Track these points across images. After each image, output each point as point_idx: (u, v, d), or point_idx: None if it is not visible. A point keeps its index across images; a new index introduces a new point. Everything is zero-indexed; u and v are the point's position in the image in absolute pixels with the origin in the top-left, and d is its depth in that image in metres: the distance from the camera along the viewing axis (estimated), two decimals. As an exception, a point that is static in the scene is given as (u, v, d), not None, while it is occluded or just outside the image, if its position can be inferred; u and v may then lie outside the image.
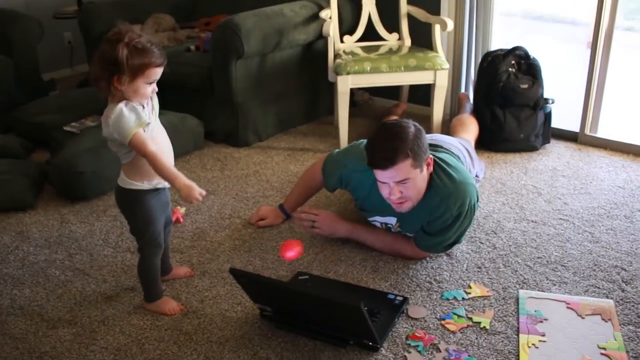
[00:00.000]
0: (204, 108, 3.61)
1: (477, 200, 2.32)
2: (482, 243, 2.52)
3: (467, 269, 2.35)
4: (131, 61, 1.84)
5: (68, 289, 2.34)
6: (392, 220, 2.42)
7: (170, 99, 3.68)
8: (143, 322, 2.13)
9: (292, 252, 2.28)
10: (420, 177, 2.17)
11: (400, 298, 2.17)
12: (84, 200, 2.98)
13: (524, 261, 2.39)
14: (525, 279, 2.28)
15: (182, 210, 2.82)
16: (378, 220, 2.46)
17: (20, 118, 3.78)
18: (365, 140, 2.50)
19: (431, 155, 2.24)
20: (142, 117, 1.90)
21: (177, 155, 3.33)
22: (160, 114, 2.10)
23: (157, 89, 2.00)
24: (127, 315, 2.17)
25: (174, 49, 3.88)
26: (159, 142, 2.00)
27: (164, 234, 2.17)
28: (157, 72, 1.92)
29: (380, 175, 2.15)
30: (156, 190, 2.05)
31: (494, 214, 2.73)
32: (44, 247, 2.63)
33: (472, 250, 2.47)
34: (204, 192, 1.91)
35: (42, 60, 4.46)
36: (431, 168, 2.24)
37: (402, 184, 2.14)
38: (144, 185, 2.01)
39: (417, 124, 2.20)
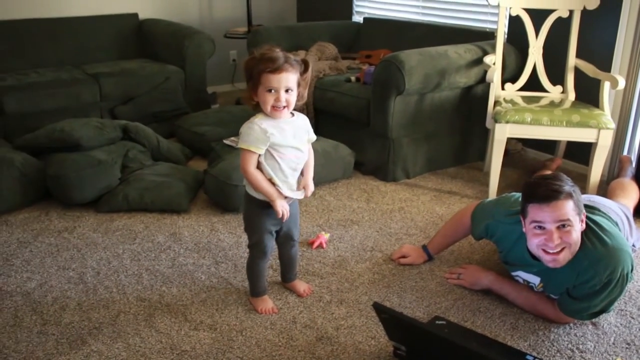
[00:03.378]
0: (357, 139, 3.68)
1: (632, 270, 2.19)
2: (633, 318, 2.36)
3: (614, 343, 2.22)
4: (251, 70, 2.00)
5: (211, 294, 2.45)
6: (535, 280, 2.33)
7: (326, 126, 3.82)
8: (279, 339, 2.18)
9: None
10: (577, 228, 2.08)
11: (540, 361, 2.09)
12: (234, 212, 3.12)
13: (679, 346, 2.22)
14: (680, 366, 2.12)
15: (326, 236, 2.88)
16: (521, 276, 2.38)
17: (183, 126, 4.04)
18: (516, 193, 2.45)
19: (585, 213, 2.15)
20: (260, 143, 2.04)
21: (326, 181, 3.48)
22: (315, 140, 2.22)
23: (288, 100, 2.02)
24: (264, 329, 2.23)
25: (335, 77, 4.00)
26: (283, 174, 2.13)
27: (286, 250, 2.37)
28: (272, 79, 1.98)
29: (541, 213, 2.06)
30: (268, 203, 2.16)
31: (649, 289, 2.56)
32: (193, 250, 2.78)
33: (621, 324, 2.32)
34: (287, 215, 2.15)
35: (207, 74, 4.76)
36: (584, 225, 2.14)
37: (563, 228, 2.06)
38: (256, 195, 2.15)
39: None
